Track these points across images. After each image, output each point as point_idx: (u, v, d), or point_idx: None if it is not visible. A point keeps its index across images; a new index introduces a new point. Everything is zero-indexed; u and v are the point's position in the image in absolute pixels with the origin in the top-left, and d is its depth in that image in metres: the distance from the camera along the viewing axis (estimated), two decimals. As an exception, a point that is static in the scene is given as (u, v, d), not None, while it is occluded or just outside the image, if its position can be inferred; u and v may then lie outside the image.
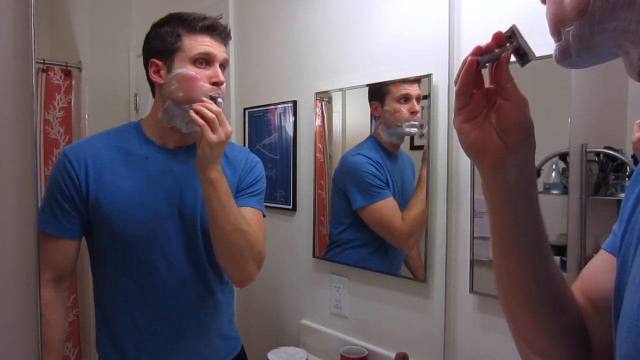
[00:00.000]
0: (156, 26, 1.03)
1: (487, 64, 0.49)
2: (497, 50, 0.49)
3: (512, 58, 0.49)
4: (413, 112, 1.23)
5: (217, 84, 0.99)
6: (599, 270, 0.54)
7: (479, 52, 0.49)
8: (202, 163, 0.93)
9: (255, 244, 1.01)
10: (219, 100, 0.98)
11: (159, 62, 1.00)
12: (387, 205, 1.32)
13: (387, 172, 1.34)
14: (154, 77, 1.01)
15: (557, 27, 0.44)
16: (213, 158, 0.93)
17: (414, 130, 1.25)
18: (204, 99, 0.95)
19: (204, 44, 0.98)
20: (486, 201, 0.53)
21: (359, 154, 1.38)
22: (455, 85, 0.51)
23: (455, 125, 0.52)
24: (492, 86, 0.51)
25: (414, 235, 1.28)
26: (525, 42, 0.48)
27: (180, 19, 1.00)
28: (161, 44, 1.00)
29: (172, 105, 1.00)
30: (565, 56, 0.44)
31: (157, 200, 1.01)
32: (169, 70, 0.99)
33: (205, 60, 0.99)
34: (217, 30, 1.00)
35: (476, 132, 0.50)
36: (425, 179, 1.22)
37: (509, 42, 0.49)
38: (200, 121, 0.91)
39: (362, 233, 1.38)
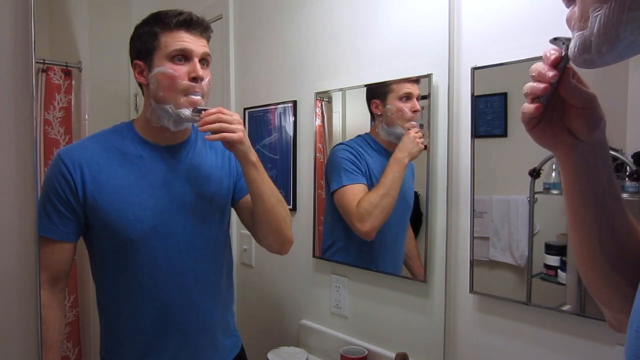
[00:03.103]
0: (136, 27, 1.03)
1: (547, 100, 0.50)
2: (556, 70, 0.48)
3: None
4: (415, 111, 1.24)
5: (195, 79, 0.98)
6: None
7: (535, 93, 0.50)
8: (240, 155, 1.01)
9: (288, 210, 1.14)
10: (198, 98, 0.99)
11: (141, 63, 1.01)
12: (350, 189, 1.33)
13: (371, 165, 1.33)
14: (138, 78, 1.03)
15: (587, 9, 0.41)
16: (248, 147, 1.02)
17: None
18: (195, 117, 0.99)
19: (180, 39, 0.98)
20: (561, 175, 0.56)
21: (341, 143, 1.41)
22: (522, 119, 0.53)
23: (526, 129, 0.55)
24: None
25: (367, 219, 1.27)
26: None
27: (156, 17, 1.00)
28: (141, 44, 1.00)
29: (156, 106, 1.01)
30: (585, 50, 0.42)
31: (155, 198, 1.01)
32: (149, 70, 1.00)
33: (182, 56, 0.98)
34: (193, 24, 0.99)
35: (548, 133, 0.53)
36: (392, 164, 1.25)
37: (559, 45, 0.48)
38: (216, 136, 0.97)
39: (346, 230, 1.37)
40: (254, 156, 1.03)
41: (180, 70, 0.97)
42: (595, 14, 0.39)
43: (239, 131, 0.99)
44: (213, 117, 0.97)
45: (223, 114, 0.97)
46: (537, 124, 0.53)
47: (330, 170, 1.42)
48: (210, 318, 1.09)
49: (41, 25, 2.36)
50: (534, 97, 0.50)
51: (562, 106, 0.51)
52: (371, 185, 1.32)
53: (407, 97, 1.25)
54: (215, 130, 0.96)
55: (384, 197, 1.25)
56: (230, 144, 0.99)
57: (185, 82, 0.97)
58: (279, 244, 1.14)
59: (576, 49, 0.43)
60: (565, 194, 0.56)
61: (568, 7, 0.44)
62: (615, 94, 0.90)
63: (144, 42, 1.00)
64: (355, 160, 1.34)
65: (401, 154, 1.25)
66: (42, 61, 2.05)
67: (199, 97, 0.99)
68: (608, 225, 0.54)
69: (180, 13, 0.99)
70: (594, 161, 0.52)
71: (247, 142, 1.01)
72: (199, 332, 1.07)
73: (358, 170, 1.33)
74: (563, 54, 0.47)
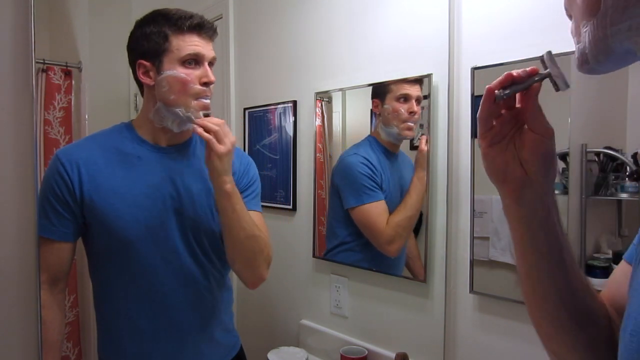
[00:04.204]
0: (141, 25, 1.01)
1: (504, 98, 0.48)
2: (523, 84, 0.48)
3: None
4: (411, 113, 1.23)
5: (207, 84, 0.98)
6: (620, 280, 0.54)
7: (504, 81, 0.48)
8: (214, 175, 0.96)
9: (265, 246, 1.06)
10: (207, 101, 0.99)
11: (147, 64, 0.99)
12: (374, 208, 1.32)
13: (382, 172, 1.33)
14: (143, 79, 1.01)
15: (579, 25, 0.42)
16: (224, 169, 0.96)
17: (409, 134, 1.25)
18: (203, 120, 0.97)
19: (193, 44, 0.97)
20: (507, 220, 0.53)
21: (355, 153, 1.39)
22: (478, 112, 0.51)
23: (481, 149, 0.52)
24: (520, 107, 0.50)
25: (396, 241, 1.27)
26: (557, 70, 0.47)
27: (166, 17, 0.98)
28: (148, 44, 0.98)
29: (164, 108, 1.00)
30: (584, 62, 0.43)
31: (152, 199, 1.01)
32: (158, 72, 0.98)
33: (194, 60, 0.98)
34: (204, 28, 0.99)
35: (500, 159, 0.51)
36: (416, 186, 1.22)
37: (543, 66, 0.47)
38: (207, 135, 0.95)
39: (358, 232, 1.37)
40: (228, 185, 0.96)
41: (192, 75, 0.97)
42: (584, 30, 0.41)
43: (228, 145, 0.95)
44: (216, 121, 0.96)
45: (224, 126, 0.97)
46: (493, 144, 0.51)
47: (347, 184, 1.40)
48: (208, 318, 1.09)
49: (41, 25, 2.36)
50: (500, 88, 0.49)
51: (519, 136, 0.50)
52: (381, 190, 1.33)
53: (405, 98, 1.24)
54: (210, 129, 0.95)
55: (411, 219, 1.25)
56: (210, 154, 0.95)
57: (197, 86, 0.97)
58: (247, 277, 1.08)
59: (577, 61, 0.44)
60: (516, 245, 0.53)
61: (570, 20, 0.45)
62: (615, 94, 0.90)
63: (152, 43, 0.98)
64: (373, 174, 1.33)
65: (423, 172, 1.22)
66: (42, 61, 2.05)
67: (208, 101, 1.00)
68: (565, 281, 0.52)
69: (192, 16, 0.98)
70: (547, 211, 0.50)
71: (226, 166, 0.96)
72: (197, 332, 1.07)
73: (377, 186, 1.33)
74: (542, 72, 0.47)
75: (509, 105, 0.50)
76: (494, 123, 0.51)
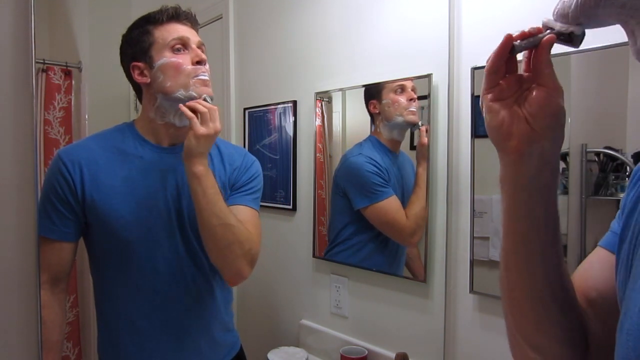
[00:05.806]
0: (126, 34, 1.04)
1: (522, 50, 0.47)
2: (538, 35, 0.46)
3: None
4: (411, 100, 1.25)
5: (200, 62, 0.99)
6: (597, 268, 0.53)
7: (519, 36, 0.47)
8: (188, 155, 0.94)
9: (246, 240, 0.99)
10: (208, 98, 0.99)
11: (140, 64, 1.01)
12: (390, 204, 1.33)
13: (388, 170, 1.34)
14: (140, 79, 1.01)
15: None
16: (199, 151, 0.94)
17: (413, 118, 1.25)
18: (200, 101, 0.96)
19: (175, 30, 1.00)
20: (502, 189, 0.51)
21: (360, 154, 1.39)
22: (487, 62, 0.49)
23: (484, 105, 0.50)
24: (526, 73, 0.48)
25: (418, 232, 1.28)
26: (565, 25, 0.45)
27: (146, 17, 1.02)
28: (136, 46, 1.01)
29: (164, 100, 1.00)
30: (563, 17, 0.43)
31: (153, 199, 1.01)
32: (151, 67, 0.99)
33: (181, 45, 0.99)
34: (181, 15, 1.02)
35: (505, 112, 0.48)
36: (422, 176, 1.23)
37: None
38: (189, 113, 0.94)
39: (362, 232, 1.38)
40: (200, 168, 0.94)
41: (183, 58, 0.99)
42: None
43: (210, 129, 0.93)
44: (208, 106, 0.95)
45: (214, 112, 0.96)
46: (497, 99, 0.49)
47: (356, 184, 1.40)
48: (208, 318, 1.09)
49: (41, 25, 2.36)
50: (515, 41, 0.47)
51: (526, 96, 0.48)
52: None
53: (402, 89, 1.27)
54: (198, 110, 0.94)
55: (425, 209, 1.25)
56: (188, 133, 0.94)
57: (191, 66, 0.99)
58: (224, 271, 1.02)
59: (556, 14, 0.44)
60: (507, 208, 0.50)
61: None
62: (615, 94, 0.90)
63: (139, 42, 1.00)
64: (381, 172, 1.34)
65: (425, 162, 1.23)
66: (42, 61, 2.05)
67: (207, 77, 1.00)
68: (555, 260, 0.50)
69: (168, 8, 1.01)
70: (549, 176, 0.48)
71: (202, 149, 0.94)
72: (196, 331, 1.07)
73: (386, 183, 1.34)
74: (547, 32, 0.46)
75: (513, 69, 0.49)
76: (501, 82, 0.49)
